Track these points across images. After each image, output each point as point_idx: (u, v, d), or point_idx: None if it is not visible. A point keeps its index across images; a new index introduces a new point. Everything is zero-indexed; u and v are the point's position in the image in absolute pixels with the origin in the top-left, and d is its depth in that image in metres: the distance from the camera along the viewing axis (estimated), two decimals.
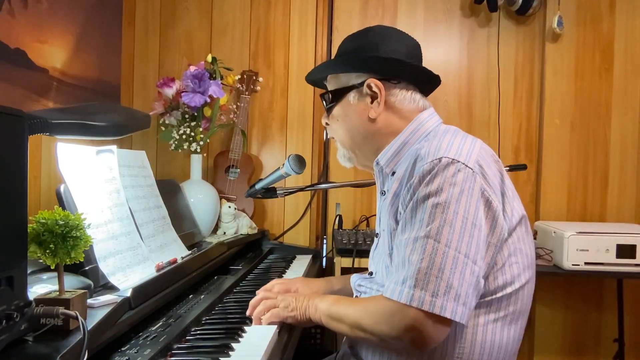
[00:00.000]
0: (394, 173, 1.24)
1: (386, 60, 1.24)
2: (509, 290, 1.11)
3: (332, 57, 2.60)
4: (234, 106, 2.48)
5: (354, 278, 1.37)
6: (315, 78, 1.41)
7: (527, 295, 1.16)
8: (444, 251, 1.02)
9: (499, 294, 1.11)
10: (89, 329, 0.88)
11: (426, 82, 1.31)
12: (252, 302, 1.32)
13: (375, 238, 1.34)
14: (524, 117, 2.69)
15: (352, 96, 1.28)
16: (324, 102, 1.35)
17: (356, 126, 1.28)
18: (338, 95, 1.30)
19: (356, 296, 1.34)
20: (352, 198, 2.68)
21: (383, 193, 1.29)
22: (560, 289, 2.66)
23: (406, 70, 1.26)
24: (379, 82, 1.24)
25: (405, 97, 1.26)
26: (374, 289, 1.25)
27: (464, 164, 1.07)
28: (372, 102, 1.25)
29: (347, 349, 1.32)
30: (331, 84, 1.34)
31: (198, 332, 1.22)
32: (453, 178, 1.05)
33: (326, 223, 2.69)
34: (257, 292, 1.50)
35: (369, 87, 1.25)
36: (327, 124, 1.37)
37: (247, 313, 1.30)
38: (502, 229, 1.09)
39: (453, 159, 1.07)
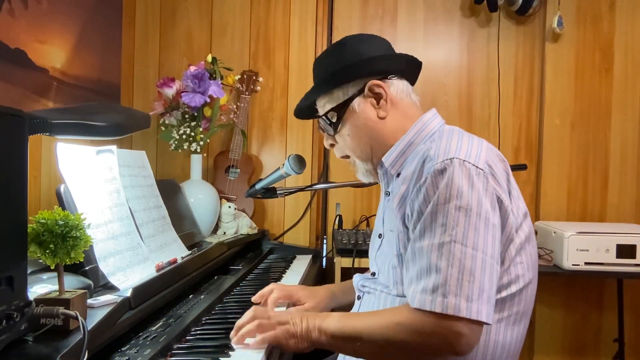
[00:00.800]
0: (399, 174, 1.23)
1: (378, 58, 1.24)
2: (513, 289, 1.11)
3: None
4: (234, 106, 2.48)
5: (357, 278, 1.36)
6: (304, 106, 1.35)
7: (530, 295, 1.15)
8: (473, 254, 1.00)
9: (504, 294, 1.10)
10: (89, 329, 0.88)
11: (412, 71, 1.32)
12: (239, 322, 1.16)
13: (377, 238, 1.32)
14: (524, 117, 2.69)
15: (356, 105, 1.25)
16: (327, 123, 1.28)
17: (369, 132, 1.25)
18: (342, 110, 1.26)
19: (358, 296, 1.33)
20: (352, 198, 2.68)
21: (387, 194, 1.28)
22: (560, 289, 2.66)
23: (397, 63, 1.27)
24: (379, 82, 1.23)
25: (403, 91, 1.27)
26: (378, 290, 1.24)
27: (474, 165, 1.06)
28: (378, 103, 1.24)
29: None
30: (327, 105, 1.28)
31: (198, 332, 1.22)
32: (469, 180, 1.04)
33: (326, 223, 2.69)
34: (252, 298, 1.45)
35: (371, 89, 1.23)
36: (332, 145, 1.33)
37: (232, 334, 1.14)
38: (511, 228, 1.09)
39: (464, 160, 1.06)
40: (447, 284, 0.99)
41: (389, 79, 1.26)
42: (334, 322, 1.10)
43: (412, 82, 1.33)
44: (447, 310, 0.99)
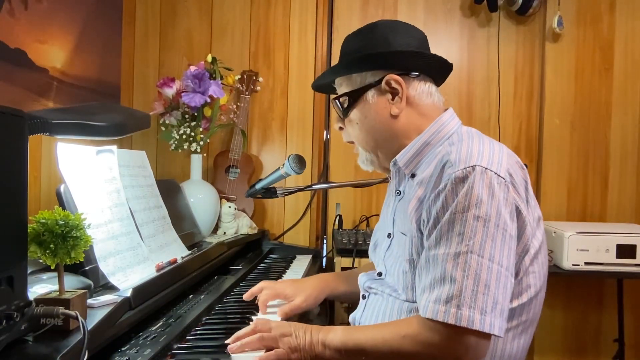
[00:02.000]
0: (413, 175, 1.20)
1: (403, 53, 1.20)
2: (524, 299, 1.10)
3: (332, 57, 2.63)
4: (234, 106, 2.48)
5: (363, 278, 1.33)
6: (323, 83, 1.34)
7: (539, 304, 1.14)
8: (489, 266, 0.99)
9: (515, 304, 1.09)
10: (89, 329, 0.88)
11: (440, 72, 1.28)
12: (239, 333, 1.12)
13: (385, 238, 1.29)
14: (524, 117, 2.69)
15: (370, 95, 1.22)
16: (338, 106, 1.27)
17: (377, 126, 1.23)
18: (355, 96, 1.23)
19: (363, 295, 1.31)
20: (352, 198, 2.68)
21: (399, 193, 1.25)
22: (560, 289, 2.66)
23: (423, 61, 1.22)
24: (398, 77, 1.19)
25: (423, 91, 1.23)
26: (386, 293, 1.22)
27: (496, 173, 1.04)
28: (393, 99, 1.20)
29: None
30: (343, 87, 1.27)
31: (198, 332, 1.22)
32: (490, 189, 1.02)
33: (326, 223, 2.69)
34: (244, 296, 1.43)
35: (388, 83, 1.20)
36: (340, 128, 1.32)
37: (230, 341, 1.11)
38: (528, 238, 1.08)
39: (486, 168, 1.03)
40: (462, 295, 0.98)
41: (410, 76, 1.22)
42: (338, 337, 1.08)
43: (439, 83, 1.29)
44: (460, 322, 0.97)
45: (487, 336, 1.00)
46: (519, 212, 1.06)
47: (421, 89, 1.23)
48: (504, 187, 1.04)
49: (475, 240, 0.99)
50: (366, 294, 1.31)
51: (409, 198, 1.17)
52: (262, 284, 1.44)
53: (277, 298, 1.42)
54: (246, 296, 1.43)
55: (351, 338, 1.07)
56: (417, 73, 1.22)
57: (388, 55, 1.20)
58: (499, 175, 1.04)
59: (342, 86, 1.28)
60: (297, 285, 1.46)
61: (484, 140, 1.15)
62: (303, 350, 1.08)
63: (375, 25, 1.25)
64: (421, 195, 1.13)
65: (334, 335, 1.08)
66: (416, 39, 1.25)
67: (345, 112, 1.26)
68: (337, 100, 1.27)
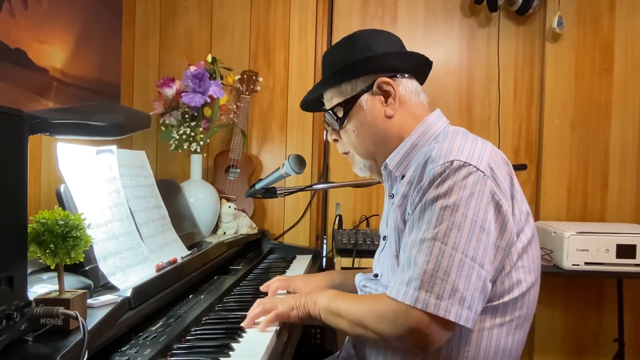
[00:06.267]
0: (403, 177, 1.22)
1: (389, 55, 1.23)
2: (515, 294, 1.10)
3: None
4: (234, 106, 2.48)
5: (359, 278, 1.36)
6: (312, 98, 1.35)
7: (532, 299, 1.15)
8: (451, 254, 1.01)
9: (506, 298, 1.10)
10: (89, 329, 0.88)
11: (422, 70, 1.32)
12: (251, 312, 1.28)
13: (381, 241, 1.32)
14: (524, 117, 2.69)
15: (364, 101, 1.24)
16: (333, 118, 1.28)
17: (375, 130, 1.25)
18: (349, 105, 1.25)
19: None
20: (352, 198, 2.68)
21: (392, 196, 1.27)
22: (560, 289, 2.66)
23: (408, 61, 1.26)
24: (389, 79, 1.23)
25: (412, 90, 1.26)
26: (380, 290, 1.24)
27: (475, 167, 1.06)
28: (386, 101, 1.23)
29: (351, 349, 1.31)
30: (334, 99, 1.28)
31: (198, 332, 1.23)
32: (463, 181, 1.04)
33: (326, 223, 2.69)
34: (260, 287, 1.55)
35: (380, 87, 1.23)
36: (335, 140, 1.34)
37: (245, 324, 1.25)
38: (512, 233, 1.08)
39: (465, 162, 1.06)
40: (420, 279, 1.02)
41: (399, 77, 1.25)
42: (326, 298, 1.21)
43: (422, 81, 1.32)
44: (416, 303, 1.01)
45: (446, 323, 1.01)
46: (499, 207, 1.07)
47: (410, 89, 1.26)
48: (482, 179, 1.05)
49: (440, 228, 1.03)
50: (361, 293, 1.33)
51: (398, 197, 1.20)
52: (276, 277, 1.58)
53: (287, 288, 1.52)
54: (262, 287, 1.54)
55: (334, 302, 1.19)
56: (405, 74, 1.26)
57: (375, 58, 1.23)
58: (477, 169, 1.06)
59: (333, 99, 1.29)
60: (307, 279, 1.56)
61: (468, 137, 1.17)
62: (298, 307, 1.23)
63: (354, 35, 1.29)
64: (406, 191, 1.17)
65: (324, 297, 1.22)
66: (395, 42, 1.29)
67: (341, 122, 1.28)
68: (330, 112, 1.29)
